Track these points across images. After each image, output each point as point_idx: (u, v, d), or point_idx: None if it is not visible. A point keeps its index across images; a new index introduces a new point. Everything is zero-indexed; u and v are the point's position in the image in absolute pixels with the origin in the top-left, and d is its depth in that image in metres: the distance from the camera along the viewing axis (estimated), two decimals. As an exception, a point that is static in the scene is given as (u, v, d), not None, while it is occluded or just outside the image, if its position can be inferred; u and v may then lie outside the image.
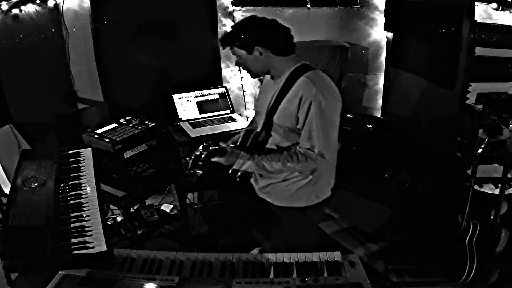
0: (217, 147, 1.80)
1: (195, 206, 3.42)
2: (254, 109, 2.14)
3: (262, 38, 1.75)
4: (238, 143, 1.94)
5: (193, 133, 3.07)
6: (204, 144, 1.82)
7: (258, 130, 1.90)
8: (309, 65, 1.83)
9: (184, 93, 3.35)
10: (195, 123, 3.22)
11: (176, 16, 3.46)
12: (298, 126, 1.76)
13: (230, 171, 1.85)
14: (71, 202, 1.77)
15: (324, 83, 1.75)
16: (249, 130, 1.96)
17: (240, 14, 3.71)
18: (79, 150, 2.26)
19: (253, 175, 1.99)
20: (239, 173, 1.86)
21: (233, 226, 2.76)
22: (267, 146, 1.89)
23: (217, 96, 3.39)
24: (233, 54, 1.84)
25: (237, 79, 3.76)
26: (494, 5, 3.04)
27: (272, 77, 1.88)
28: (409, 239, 2.93)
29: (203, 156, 1.78)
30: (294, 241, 1.94)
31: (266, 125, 1.84)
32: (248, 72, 1.88)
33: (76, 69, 3.33)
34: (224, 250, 1.69)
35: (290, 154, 1.77)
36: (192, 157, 1.81)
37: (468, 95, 3.04)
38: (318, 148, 1.73)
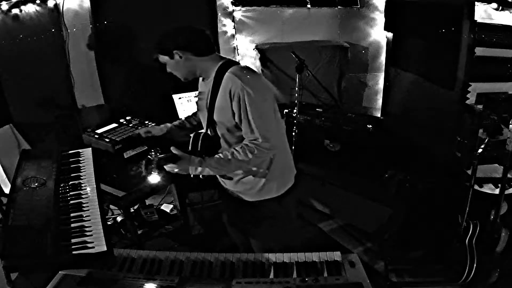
0: (168, 154, 1.80)
1: (195, 206, 3.42)
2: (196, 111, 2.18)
3: (177, 41, 1.81)
4: (189, 148, 1.93)
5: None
6: (153, 150, 1.85)
7: (204, 130, 1.95)
8: (233, 60, 1.88)
9: (184, 93, 3.35)
10: (195, 123, 3.22)
11: (176, 16, 3.46)
12: (236, 120, 1.80)
13: (191, 175, 1.88)
14: (71, 202, 1.77)
15: (248, 76, 1.79)
16: (196, 134, 1.96)
17: (240, 14, 3.71)
18: (79, 150, 2.26)
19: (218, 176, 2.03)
20: (200, 175, 1.89)
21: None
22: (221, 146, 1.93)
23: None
24: (160, 62, 1.90)
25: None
26: (494, 5, 3.04)
27: (202, 79, 1.95)
28: (409, 239, 2.93)
29: (154, 162, 1.81)
30: (280, 234, 1.99)
31: (209, 124, 1.89)
32: (179, 77, 1.93)
33: (76, 69, 3.33)
34: (224, 250, 1.69)
35: (237, 149, 1.79)
36: (144, 162, 1.86)
37: (468, 95, 3.04)
38: (261, 137, 1.77)
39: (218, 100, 1.81)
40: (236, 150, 1.79)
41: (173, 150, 1.80)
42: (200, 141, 1.89)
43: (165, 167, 1.82)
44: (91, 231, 1.58)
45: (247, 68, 1.84)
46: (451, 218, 2.62)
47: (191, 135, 1.95)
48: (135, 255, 1.64)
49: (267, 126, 1.77)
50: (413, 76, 3.65)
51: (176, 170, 1.81)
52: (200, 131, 1.96)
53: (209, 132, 1.92)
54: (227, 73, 1.77)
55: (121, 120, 2.91)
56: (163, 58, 1.87)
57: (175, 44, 1.82)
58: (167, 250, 1.68)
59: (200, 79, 1.99)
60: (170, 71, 1.92)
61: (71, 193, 1.84)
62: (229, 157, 1.78)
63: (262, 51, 3.75)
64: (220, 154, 1.81)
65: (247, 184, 1.95)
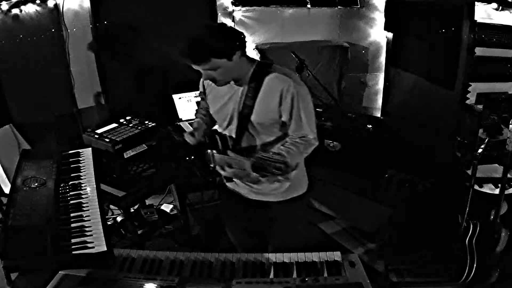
0: (234, 157, 1.70)
1: (195, 206, 3.42)
2: (200, 117, 2.04)
3: (238, 39, 1.71)
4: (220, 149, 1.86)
5: (193, 133, 3.07)
6: (210, 151, 1.77)
7: (227, 133, 1.89)
8: (264, 61, 1.86)
9: (184, 93, 3.35)
10: (195, 123, 3.22)
11: (176, 16, 3.46)
12: (283, 119, 1.79)
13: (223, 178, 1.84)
14: (71, 202, 1.77)
15: (295, 75, 1.81)
16: (222, 136, 1.91)
17: (240, 14, 3.71)
18: (79, 150, 2.26)
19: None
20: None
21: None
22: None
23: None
24: (204, 69, 1.71)
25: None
26: (494, 5, 3.04)
27: (227, 82, 1.80)
28: (409, 239, 2.93)
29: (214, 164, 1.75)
30: (297, 234, 1.99)
31: (240, 125, 1.84)
32: (217, 83, 1.78)
33: (76, 69, 3.33)
34: (224, 250, 1.69)
35: (289, 147, 1.77)
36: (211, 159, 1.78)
37: (468, 95, 3.04)
38: (312, 133, 1.81)
39: (261, 100, 1.76)
40: (289, 147, 1.76)
41: (230, 154, 1.72)
42: (220, 144, 1.86)
43: (223, 171, 1.74)
44: (91, 231, 1.58)
45: (285, 68, 1.82)
46: (451, 218, 2.62)
47: (218, 136, 1.90)
48: (135, 255, 1.64)
49: (314, 121, 1.81)
50: (413, 76, 3.65)
51: (232, 174, 1.74)
52: (221, 133, 1.92)
53: (232, 133, 1.87)
54: (273, 74, 1.74)
55: (121, 120, 2.91)
56: (219, 62, 1.68)
57: (235, 41, 1.69)
58: (167, 250, 1.68)
59: (209, 82, 1.87)
60: (215, 76, 1.74)
61: (71, 193, 1.84)
62: (284, 153, 1.73)
63: (262, 51, 3.75)
64: (274, 150, 1.76)
65: (275, 183, 1.92)
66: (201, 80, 1.98)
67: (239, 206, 2.03)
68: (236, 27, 3.73)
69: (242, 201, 2.01)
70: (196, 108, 2.17)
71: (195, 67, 1.71)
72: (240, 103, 1.80)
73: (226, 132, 1.91)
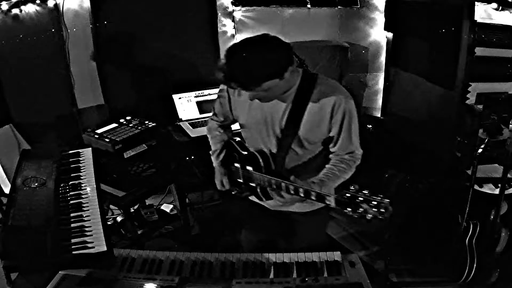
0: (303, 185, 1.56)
1: (195, 206, 3.42)
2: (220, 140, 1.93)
3: (290, 54, 1.54)
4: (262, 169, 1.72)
5: (193, 133, 3.07)
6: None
7: (265, 150, 1.77)
8: (309, 71, 1.74)
9: (184, 93, 3.35)
10: (195, 123, 3.22)
11: (176, 16, 3.45)
12: (331, 134, 1.70)
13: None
14: (71, 202, 1.77)
15: (342, 87, 1.71)
16: (262, 153, 1.75)
17: (240, 14, 3.71)
18: (79, 150, 2.27)
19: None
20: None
21: (233, 226, 2.76)
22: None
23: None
24: (255, 91, 1.55)
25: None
26: (494, 5, 3.03)
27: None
28: (409, 239, 2.93)
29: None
30: (318, 240, 1.94)
31: (285, 142, 1.71)
32: (261, 100, 1.65)
33: (76, 69, 3.33)
34: (224, 250, 1.69)
35: (341, 164, 1.70)
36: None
37: (468, 95, 3.04)
38: (359, 149, 1.75)
39: (310, 115, 1.64)
40: (340, 164, 1.70)
41: (293, 179, 1.60)
42: (272, 160, 1.73)
43: (280, 197, 1.68)
44: (91, 231, 1.59)
45: (328, 79, 1.72)
46: (451, 218, 2.62)
47: (257, 153, 1.74)
48: (135, 255, 1.64)
49: (358, 136, 1.74)
50: (413, 76, 3.65)
51: (290, 200, 1.68)
52: (260, 150, 1.77)
53: (273, 150, 1.75)
54: (324, 86, 1.64)
55: (121, 120, 2.91)
56: (268, 84, 1.52)
57: (289, 58, 1.53)
58: (167, 250, 1.68)
59: (236, 92, 1.76)
60: (263, 97, 1.62)
61: (71, 193, 1.84)
62: (337, 173, 1.67)
63: (262, 51, 3.74)
64: (327, 172, 1.68)
65: None
66: (224, 87, 1.83)
67: (259, 217, 1.97)
68: (237, 27, 3.76)
69: (263, 212, 1.94)
70: (210, 126, 2.01)
71: (252, 91, 1.56)
72: (284, 116, 1.68)
73: (263, 148, 1.77)
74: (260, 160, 1.72)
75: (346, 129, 1.67)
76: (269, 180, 1.65)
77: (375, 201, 1.31)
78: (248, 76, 1.49)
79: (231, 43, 1.57)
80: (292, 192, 1.57)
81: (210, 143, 1.99)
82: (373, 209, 1.31)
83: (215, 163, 1.94)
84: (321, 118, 1.66)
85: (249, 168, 1.76)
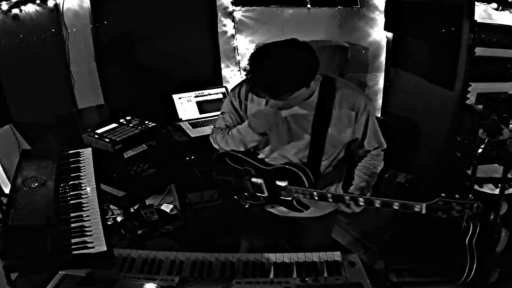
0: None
1: (195, 206, 3.42)
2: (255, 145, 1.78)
3: (317, 61, 1.50)
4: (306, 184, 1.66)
5: (193, 133, 3.07)
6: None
7: (294, 159, 1.73)
8: (326, 75, 1.69)
9: (184, 93, 3.35)
10: (195, 123, 3.22)
11: (176, 16, 3.45)
12: (356, 136, 1.70)
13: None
14: (71, 202, 1.77)
15: (360, 89, 1.75)
16: (301, 168, 1.69)
17: (240, 14, 3.71)
18: (79, 150, 2.26)
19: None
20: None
21: (233, 226, 2.76)
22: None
23: (217, 96, 3.39)
24: (282, 101, 1.49)
25: (237, 79, 3.76)
26: (494, 5, 3.03)
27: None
28: (409, 239, 2.93)
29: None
30: (324, 243, 1.95)
31: (315, 147, 1.68)
32: (283, 108, 1.60)
33: (76, 69, 3.33)
34: (224, 250, 1.69)
35: (373, 162, 1.74)
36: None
37: (468, 95, 3.04)
38: (384, 144, 1.78)
39: (335, 119, 1.63)
40: (373, 162, 1.74)
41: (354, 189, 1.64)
42: (311, 174, 1.68)
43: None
44: (91, 231, 1.58)
45: (345, 80, 1.72)
46: (451, 218, 2.62)
47: (298, 171, 1.68)
48: (135, 255, 1.64)
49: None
50: (413, 76, 3.65)
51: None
52: (292, 164, 1.71)
53: (303, 159, 1.71)
54: (346, 90, 1.63)
55: (121, 120, 2.91)
56: (298, 93, 1.48)
57: (317, 66, 1.50)
58: (167, 250, 1.68)
59: (250, 97, 1.69)
60: (290, 105, 1.58)
61: (71, 193, 1.84)
62: (374, 170, 1.72)
63: (262, 51, 3.74)
64: (362, 174, 1.70)
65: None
66: (241, 90, 1.74)
67: (268, 224, 1.97)
68: (237, 27, 3.76)
69: (271, 219, 1.93)
70: (216, 129, 1.91)
71: (282, 99, 1.49)
72: (309, 124, 1.65)
73: (291, 160, 1.72)
74: (301, 174, 1.66)
75: (372, 128, 1.70)
76: (311, 193, 1.63)
77: (467, 203, 1.41)
78: (281, 85, 1.42)
79: (258, 47, 1.47)
80: (347, 202, 1.57)
81: (230, 144, 1.79)
82: (467, 210, 1.42)
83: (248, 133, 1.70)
84: (347, 123, 1.66)
85: (281, 183, 1.69)
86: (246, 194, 1.85)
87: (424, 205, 1.44)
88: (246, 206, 1.88)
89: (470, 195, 1.43)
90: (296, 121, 1.67)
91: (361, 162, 1.77)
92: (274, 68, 1.42)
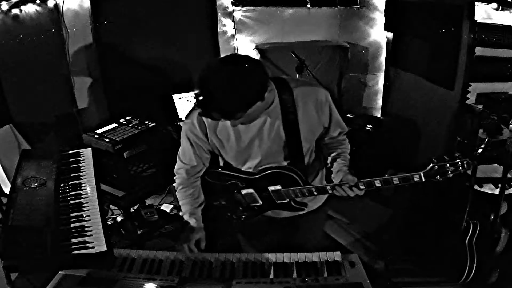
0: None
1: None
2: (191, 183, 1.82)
3: (266, 72, 1.48)
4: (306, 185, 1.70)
5: (193, 133, 3.07)
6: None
7: (279, 163, 1.73)
8: (275, 77, 1.68)
9: (184, 93, 3.35)
10: (195, 123, 3.22)
11: (176, 16, 3.46)
12: (325, 126, 1.74)
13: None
14: (71, 202, 1.78)
15: (315, 81, 1.81)
16: (295, 180, 1.70)
17: (240, 14, 3.71)
18: (79, 150, 2.26)
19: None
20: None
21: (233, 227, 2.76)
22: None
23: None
24: (239, 118, 1.48)
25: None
26: (494, 5, 3.03)
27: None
28: (409, 239, 2.93)
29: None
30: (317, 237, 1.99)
31: (293, 151, 1.70)
32: (243, 124, 1.60)
33: (76, 69, 3.34)
34: (224, 250, 1.69)
35: (342, 144, 1.79)
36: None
37: (468, 95, 3.04)
38: (346, 128, 1.81)
39: (304, 117, 1.64)
40: (341, 146, 1.78)
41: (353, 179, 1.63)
42: (300, 172, 1.70)
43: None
44: (91, 231, 1.59)
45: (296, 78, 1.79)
46: (451, 218, 2.62)
47: (287, 172, 1.70)
48: (135, 255, 1.64)
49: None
50: (413, 76, 3.65)
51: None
52: (279, 167, 1.72)
53: (281, 162, 1.72)
54: (299, 88, 1.62)
55: (121, 120, 2.91)
56: (254, 108, 1.46)
57: (267, 77, 1.48)
58: (167, 250, 1.68)
59: (226, 122, 1.62)
60: (248, 121, 1.57)
61: (71, 193, 1.84)
62: (346, 154, 1.77)
63: (262, 51, 3.74)
64: (341, 158, 1.73)
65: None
66: (194, 121, 1.66)
67: (264, 226, 1.95)
68: (237, 27, 3.76)
69: (268, 221, 1.92)
70: (180, 181, 1.82)
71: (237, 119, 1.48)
72: (279, 128, 1.65)
73: (272, 164, 1.72)
74: (292, 174, 1.69)
75: (334, 115, 1.74)
76: (309, 189, 1.68)
77: (459, 161, 1.55)
78: (233, 104, 1.39)
79: (203, 71, 1.40)
80: (346, 192, 1.63)
81: (185, 204, 1.81)
82: (460, 168, 1.56)
83: (195, 221, 1.78)
84: (315, 118, 1.69)
85: (274, 187, 1.71)
86: (240, 208, 1.85)
87: (421, 173, 1.56)
88: (243, 219, 1.87)
89: (457, 154, 1.56)
90: (269, 130, 1.65)
91: (332, 149, 1.79)
92: (224, 89, 1.37)
